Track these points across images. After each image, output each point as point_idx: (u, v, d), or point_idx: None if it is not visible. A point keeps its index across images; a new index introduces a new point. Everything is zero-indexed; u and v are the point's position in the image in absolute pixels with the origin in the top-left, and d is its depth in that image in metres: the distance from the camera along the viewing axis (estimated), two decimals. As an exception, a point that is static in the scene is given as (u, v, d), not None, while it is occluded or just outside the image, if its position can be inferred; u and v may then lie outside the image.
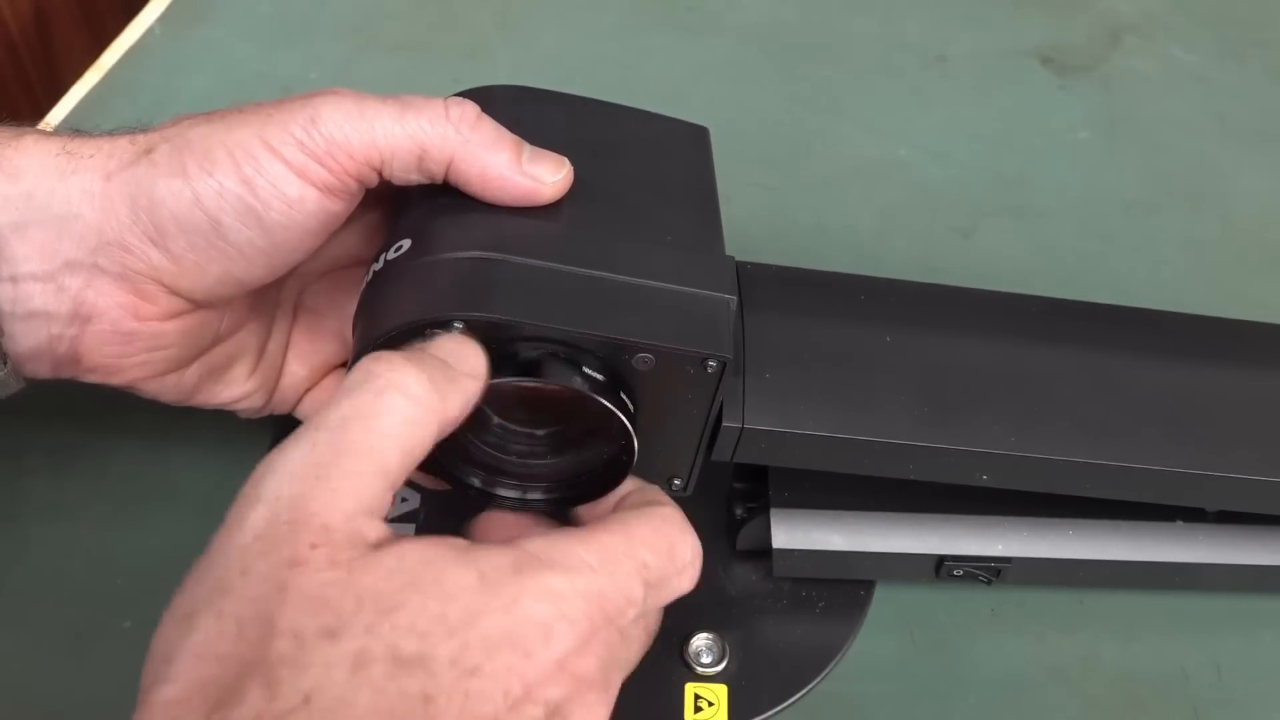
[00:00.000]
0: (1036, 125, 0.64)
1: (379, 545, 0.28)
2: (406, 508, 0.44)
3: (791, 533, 0.41)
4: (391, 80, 0.64)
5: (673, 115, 0.64)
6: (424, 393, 0.29)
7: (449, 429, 0.31)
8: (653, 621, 0.34)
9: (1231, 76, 0.68)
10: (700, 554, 0.33)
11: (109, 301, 0.35)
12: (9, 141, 0.35)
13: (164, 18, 0.67)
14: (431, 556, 0.28)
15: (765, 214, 0.58)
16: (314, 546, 0.27)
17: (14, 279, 0.34)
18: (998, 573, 0.42)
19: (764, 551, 0.42)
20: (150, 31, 0.66)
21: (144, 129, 0.36)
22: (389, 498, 0.29)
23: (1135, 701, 0.42)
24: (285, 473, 0.28)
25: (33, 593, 0.43)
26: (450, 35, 0.67)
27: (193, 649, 0.26)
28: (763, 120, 0.63)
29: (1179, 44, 0.70)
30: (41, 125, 0.61)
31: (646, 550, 0.31)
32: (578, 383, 0.33)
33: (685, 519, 0.33)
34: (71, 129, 0.36)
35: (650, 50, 0.67)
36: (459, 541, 0.29)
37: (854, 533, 0.41)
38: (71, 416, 0.46)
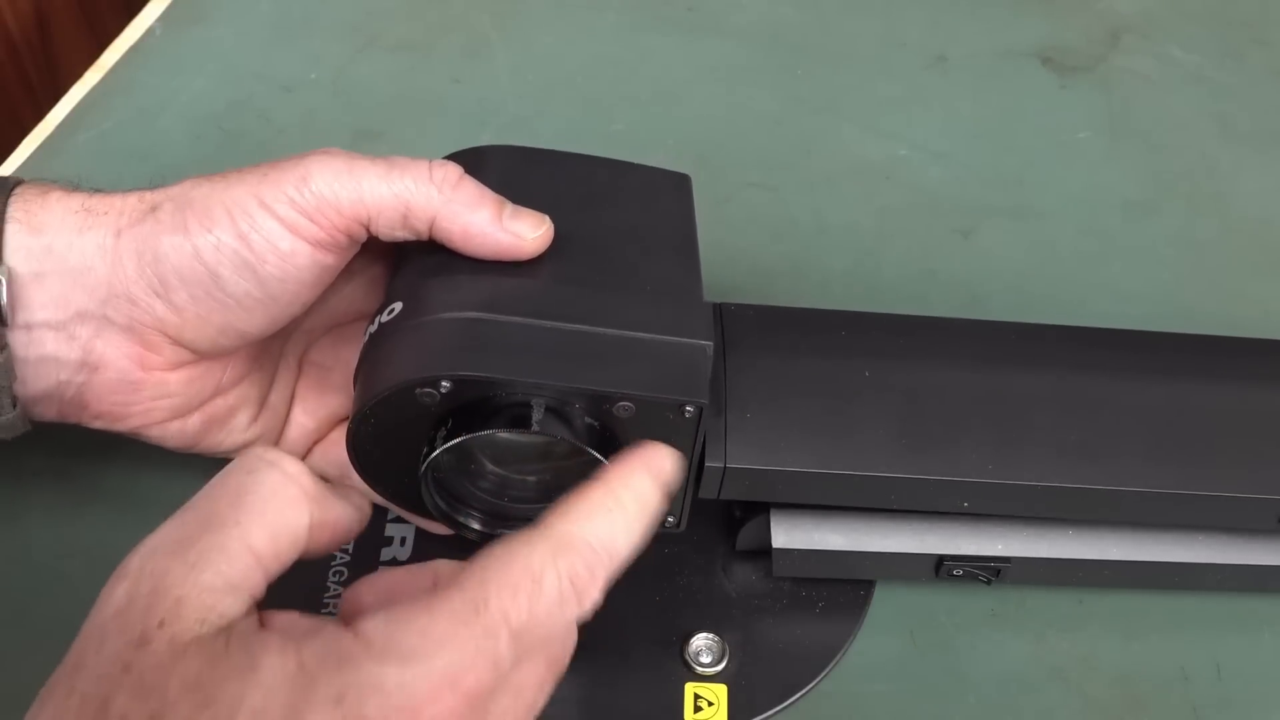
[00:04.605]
0: (1036, 125, 0.64)
1: (232, 624, 0.27)
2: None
3: (791, 532, 0.41)
4: (391, 80, 0.64)
5: (672, 116, 0.65)
6: (300, 473, 0.30)
7: (329, 537, 0.31)
8: (556, 650, 0.31)
9: (1231, 76, 0.68)
10: (595, 566, 0.31)
11: (116, 352, 0.37)
12: (36, 198, 0.37)
13: (164, 18, 0.67)
14: (255, 641, 0.27)
15: (765, 214, 0.58)
16: (162, 625, 0.27)
17: (28, 326, 0.36)
18: (998, 573, 0.42)
19: (764, 551, 0.42)
20: (150, 31, 0.66)
21: (153, 188, 0.37)
22: (257, 577, 0.29)
23: (1135, 701, 0.42)
24: (151, 547, 0.28)
25: (33, 593, 0.43)
26: (450, 35, 0.67)
27: None
28: (763, 120, 0.63)
29: (1178, 44, 0.70)
30: (41, 125, 0.61)
31: (503, 595, 0.29)
32: (563, 432, 0.34)
33: (555, 545, 0.30)
34: (93, 187, 0.38)
35: (650, 50, 0.67)
36: (299, 622, 0.28)
37: (854, 532, 0.41)
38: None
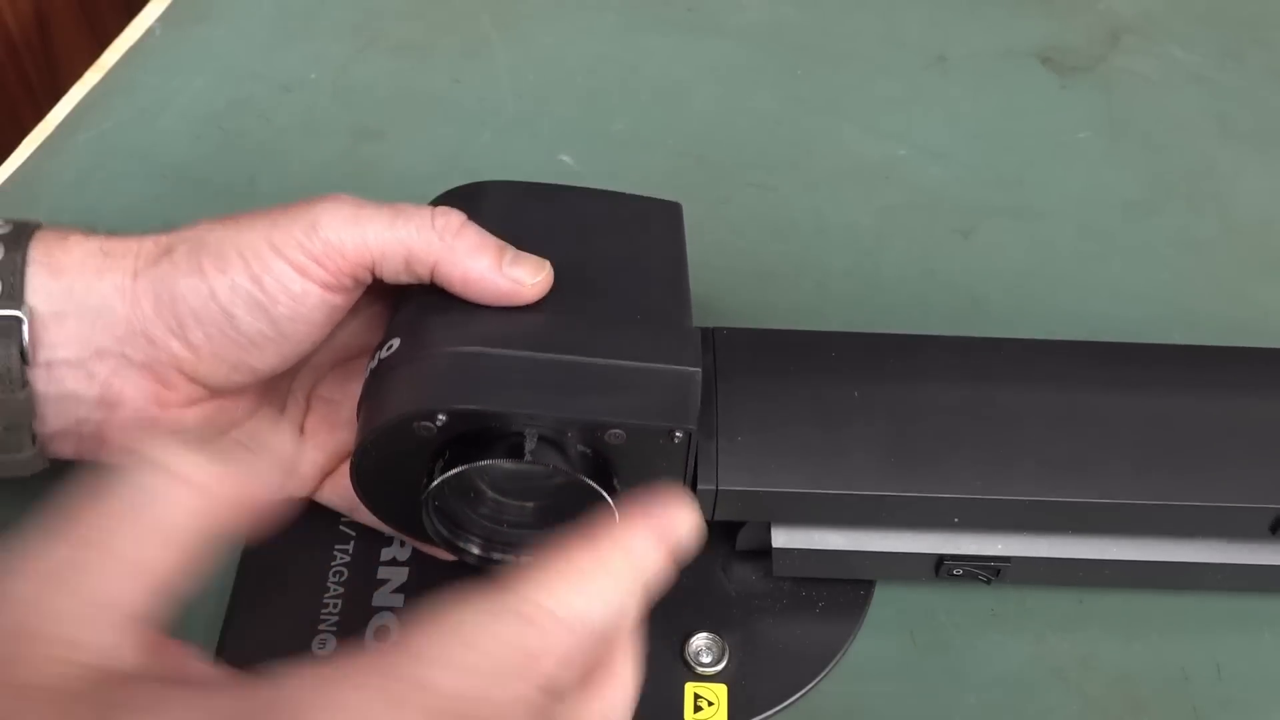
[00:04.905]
0: (1036, 125, 0.64)
1: (105, 661, 0.25)
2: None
3: (791, 532, 0.41)
4: (391, 80, 0.64)
5: (672, 116, 0.65)
6: (187, 465, 0.27)
7: (247, 515, 0.28)
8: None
9: (1231, 76, 0.68)
10: (552, 637, 0.27)
11: (134, 389, 0.38)
12: (57, 243, 0.38)
13: (164, 18, 0.67)
14: (152, 695, 0.24)
15: (765, 214, 0.58)
16: (18, 663, 0.24)
17: (49, 364, 0.37)
18: (998, 572, 0.42)
19: (764, 551, 0.42)
20: (150, 31, 0.66)
21: (167, 231, 0.39)
22: (143, 596, 0.26)
23: (1135, 701, 0.42)
24: (15, 569, 0.26)
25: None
26: (450, 35, 0.67)
27: None
28: (763, 120, 0.63)
29: (1178, 44, 0.70)
30: (42, 125, 0.61)
31: (421, 663, 0.25)
32: (557, 461, 0.35)
33: (502, 611, 0.26)
34: (108, 231, 0.39)
35: (650, 50, 0.67)
36: (207, 673, 0.26)
37: (854, 532, 0.41)
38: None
